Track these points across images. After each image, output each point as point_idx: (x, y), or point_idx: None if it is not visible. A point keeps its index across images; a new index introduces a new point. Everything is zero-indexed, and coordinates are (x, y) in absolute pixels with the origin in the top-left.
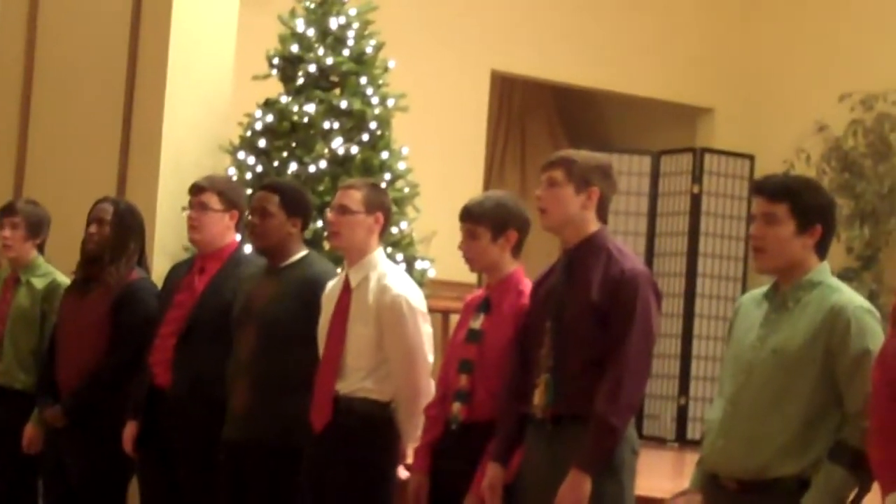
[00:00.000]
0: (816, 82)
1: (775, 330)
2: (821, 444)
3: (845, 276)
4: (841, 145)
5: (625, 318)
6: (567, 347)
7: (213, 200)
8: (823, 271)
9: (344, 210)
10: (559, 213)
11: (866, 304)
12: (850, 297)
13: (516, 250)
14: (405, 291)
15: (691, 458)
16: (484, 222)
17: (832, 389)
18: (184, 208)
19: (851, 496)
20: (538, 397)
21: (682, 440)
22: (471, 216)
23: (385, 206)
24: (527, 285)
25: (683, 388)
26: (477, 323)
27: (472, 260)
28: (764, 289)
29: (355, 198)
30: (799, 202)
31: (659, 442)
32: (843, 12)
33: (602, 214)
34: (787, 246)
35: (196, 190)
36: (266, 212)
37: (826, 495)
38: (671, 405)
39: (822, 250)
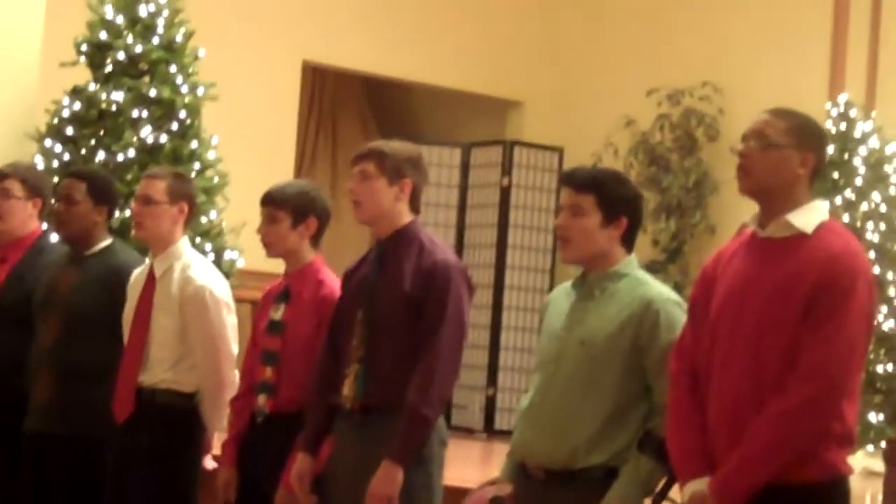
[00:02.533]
0: (625, 77)
1: (582, 320)
2: (628, 434)
3: (652, 268)
4: (648, 139)
5: (437, 309)
6: (378, 338)
7: (16, 188)
8: (630, 263)
9: (147, 200)
10: (374, 205)
11: (674, 296)
12: (659, 289)
13: (315, 240)
14: (208, 282)
15: (499, 449)
16: (285, 207)
17: (640, 381)
18: None
19: (660, 486)
20: (348, 388)
21: (491, 431)
22: (272, 200)
23: (189, 196)
24: (327, 274)
25: (492, 378)
26: (278, 313)
27: (270, 245)
28: (573, 280)
29: (159, 188)
30: (605, 194)
31: (467, 432)
32: (651, 8)
33: (414, 205)
34: (592, 237)
35: None
36: (72, 199)
37: (634, 485)
38: (479, 396)
39: (628, 242)
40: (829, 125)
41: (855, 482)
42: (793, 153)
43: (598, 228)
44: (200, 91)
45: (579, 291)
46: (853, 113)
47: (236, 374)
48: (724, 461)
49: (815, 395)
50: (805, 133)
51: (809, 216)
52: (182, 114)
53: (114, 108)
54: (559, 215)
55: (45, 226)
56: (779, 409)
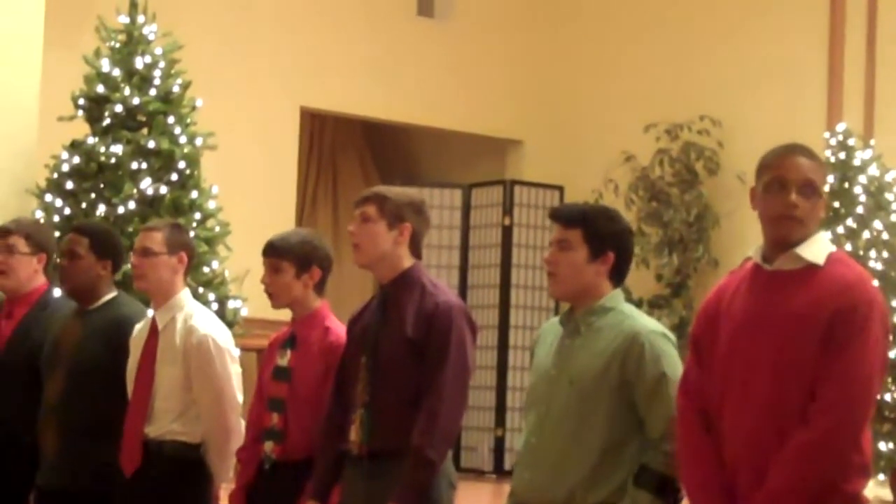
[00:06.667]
0: (622, 113)
1: (570, 357)
2: (624, 469)
3: (655, 303)
4: (648, 174)
5: (440, 350)
6: (383, 383)
7: (21, 243)
8: (616, 297)
9: (146, 252)
10: (372, 248)
11: (660, 327)
12: (644, 322)
13: (319, 287)
14: (211, 331)
15: (508, 490)
16: (288, 257)
17: (631, 415)
18: None
19: None
20: (354, 433)
21: (500, 471)
22: (275, 251)
23: (188, 245)
24: (332, 321)
25: (500, 419)
26: (284, 360)
27: (274, 295)
28: (560, 316)
29: (156, 239)
30: (591, 229)
31: (477, 474)
32: (647, 45)
33: (415, 250)
34: (579, 272)
35: (2, 233)
36: (75, 254)
37: None
38: (488, 437)
39: (616, 277)
40: (828, 154)
41: None
42: (822, 198)
43: (585, 263)
44: (199, 141)
45: (566, 328)
46: (852, 142)
47: (242, 423)
48: (749, 498)
49: (837, 427)
50: (825, 172)
51: (818, 248)
52: (181, 164)
53: (113, 160)
54: (548, 251)
55: (49, 281)
56: (803, 442)
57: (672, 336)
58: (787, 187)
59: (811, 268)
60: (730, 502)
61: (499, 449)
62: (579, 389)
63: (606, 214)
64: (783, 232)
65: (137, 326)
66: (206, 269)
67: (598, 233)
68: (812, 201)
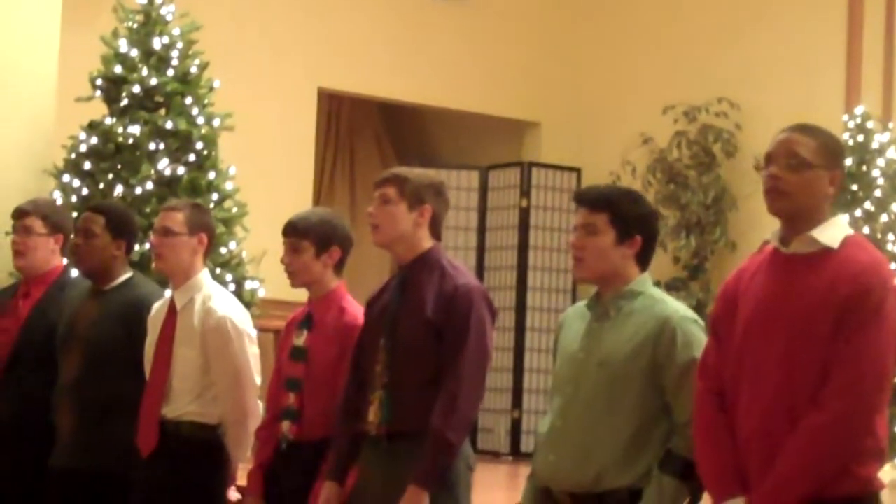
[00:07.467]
0: (640, 95)
1: (599, 341)
2: (651, 454)
3: (673, 286)
4: (666, 157)
5: (459, 333)
6: (401, 364)
7: (38, 224)
8: (644, 281)
9: (166, 232)
10: (391, 229)
11: (690, 313)
12: (675, 307)
13: (339, 267)
14: (230, 312)
15: (526, 471)
16: (308, 237)
17: (660, 400)
18: (7, 233)
19: None
20: (373, 414)
21: (517, 453)
22: (295, 230)
23: (208, 226)
24: (349, 302)
25: (516, 401)
26: (300, 340)
27: (294, 274)
28: (587, 300)
29: (177, 219)
30: (618, 212)
31: (493, 456)
32: (665, 26)
33: (435, 231)
34: (606, 256)
35: (19, 214)
36: (90, 233)
37: None
38: (505, 419)
39: (642, 261)
40: (846, 137)
41: (884, 496)
42: (824, 173)
43: (612, 247)
44: (216, 122)
45: (594, 312)
46: (870, 125)
47: (260, 405)
48: (759, 480)
49: (848, 411)
50: (833, 151)
51: (834, 231)
52: (199, 145)
53: (130, 141)
54: (573, 234)
55: (66, 261)
56: (813, 425)
57: (701, 321)
58: (771, 161)
59: (827, 251)
60: (741, 485)
61: (515, 431)
62: (609, 373)
63: (631, 197)
64: (768, 204)
65: (155, 306)
66: (223, 250)
67: (624, 216)
68: (802, 175)
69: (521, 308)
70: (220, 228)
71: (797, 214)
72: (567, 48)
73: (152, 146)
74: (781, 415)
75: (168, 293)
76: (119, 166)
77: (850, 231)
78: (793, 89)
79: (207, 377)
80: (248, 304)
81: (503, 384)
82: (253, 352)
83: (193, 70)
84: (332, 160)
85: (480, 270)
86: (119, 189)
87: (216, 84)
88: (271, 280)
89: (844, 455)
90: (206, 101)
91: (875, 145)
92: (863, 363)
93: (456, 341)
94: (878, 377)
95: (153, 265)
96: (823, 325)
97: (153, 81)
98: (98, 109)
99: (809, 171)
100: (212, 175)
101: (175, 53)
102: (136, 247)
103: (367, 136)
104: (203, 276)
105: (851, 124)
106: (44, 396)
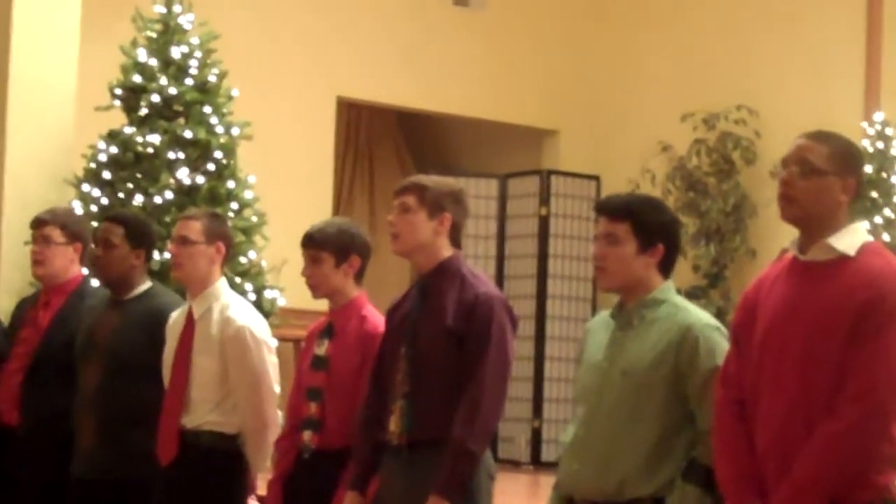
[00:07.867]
0: (659, 103)
1: (622, 349)
2: (674, 462)
3: (693, 294)
4: (685, 164)
5: (480, 342)
6: (422, 373)
7: (56, 234)
8: (667, 290)
9: (184, 241)
10: (411, 238)
11: (713, 321)
12: (697, 315)
13: (358, 276)
14: (249, 322)
15: (546, 481)
16: (327, 248)
17: (683, 408)
18: (26, 243)
19: None
20: (394, 423)
21: (537, 463)
22: (313, 242)
23: (226, 235)
24: (370, 311)
25: (537, 410)
26: (322, 349)
27: (315, 286)
28: (611, 310)
29: (195, 228)
30: (640, 221)
31: (514, 465)
32: (683, 33)
33: (455, 240)
34: (628, 265)
35: (38, 224)
36: (109, 243)
37: None
38: (525, 428)
39: (665, 269)
40: (865, 144)
41: None
42: (835, 180)
43: (635, 256)
44: (235, 131)
45: (618, 321)
46: (889, 131)
47: (279, 414)
48: (776, 488)
49: (864, 417)
50: (846, 158)
51: (851, 238)
52: (218, 154)
53: (150, 150)
54: (595, 244)
55: (86, 270)
56: (828, 433)
57: (724, 329)
58: (784, 167)
59: (844, 258)
60: (759, 493)
61: (536, 440)
62: (632, 381)
63: (653, 205)
64: (780, 211)
65: (173, 315)
66: (242, 260)
67: (646, 225)
68: (812, 181)
69: (541, 317)
70: (240, 237)
71: (808, 221)
72: (585, 56)
73: (171, 155)
74: (799, 423)
75: (186, 302)
76: (138, 175)
77: (869, 238)
78: (812, 96)
79: (226, 386)
80: (267, 314)
81: (524, 393)
82: (272, 361)
83: (212, 79)
84: (351, 169)
85: (500, 279)
86: (138, 198)
87: (235, 93)
88: (291, 289)
89: (860, 462)
90: (224, 111)
91: (894, 152)
92: (877, 369)
93: (477, 350)
94: (893, 383)
95: (172, 274)
96: (839, 333)
97: (172, 91)
98: (117, 119)
99: (819, 177)
100: (231, 184)
101: (194, 63)
102: (157, 256)
103: (386, 145)
104: (221, 284)
105: (871, 131)
106: (64, 405)
